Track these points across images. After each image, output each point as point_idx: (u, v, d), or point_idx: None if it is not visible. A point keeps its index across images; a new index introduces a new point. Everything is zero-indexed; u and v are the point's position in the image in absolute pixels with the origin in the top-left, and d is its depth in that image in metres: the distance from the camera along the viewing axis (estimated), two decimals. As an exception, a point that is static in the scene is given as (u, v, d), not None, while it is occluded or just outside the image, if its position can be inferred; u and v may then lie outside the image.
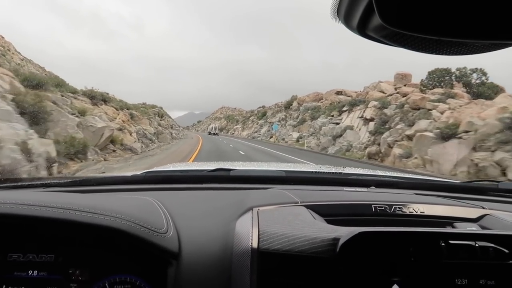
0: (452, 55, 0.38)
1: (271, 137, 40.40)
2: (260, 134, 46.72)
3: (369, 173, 1.65)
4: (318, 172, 1.56)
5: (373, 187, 1.23)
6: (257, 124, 57.29)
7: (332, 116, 27.06)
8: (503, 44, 0.36)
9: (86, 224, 0.67)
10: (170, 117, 54.28)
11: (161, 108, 47.66)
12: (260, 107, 77.28)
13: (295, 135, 31.56)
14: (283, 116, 42.59)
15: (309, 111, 33.90)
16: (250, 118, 70.37)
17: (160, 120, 33.06)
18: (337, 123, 25.24)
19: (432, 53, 0.38)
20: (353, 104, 25.04)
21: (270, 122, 46.73)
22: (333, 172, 1.54)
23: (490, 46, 0.37)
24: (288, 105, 45.19)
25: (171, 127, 37.19)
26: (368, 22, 0.35)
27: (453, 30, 0.33)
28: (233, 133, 72.66)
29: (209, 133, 64.30)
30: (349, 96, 33.57)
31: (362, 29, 0.37)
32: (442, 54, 0.38)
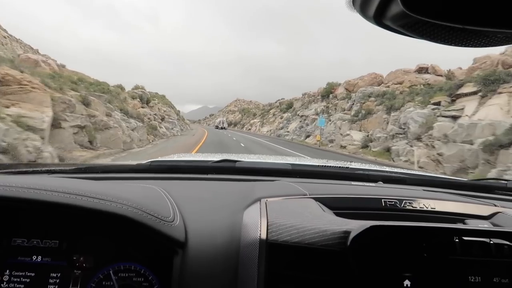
0: (475, 46, 0.36)
1: (308, 136, 28.19)
2: (288, 132, 34.51)
3: (376, 168, 1.62)
4: (325, 166, 1.51)
5: (380, 182, 1.23)
6: (280, 118, 45.05)
7: (438, 104, 14.78)
8: None
9: (93, 210, 0.66)
10: (172, 107, 43.13)
11: (156, 93, 36.48)
12: (279, 100, 65.54)
13: (357, 135, 19.25)
14: (324, 108, 30.28)
15: (373, 97, 21.55)
16: (271, 111, 58.04)
17: (141, 107, 21.41)
18: (454, 116, 13.04)
19: (453, 44, 0.36)
20: (491, 82, 12.75)
21: (302, 116, 34.48)
22: (340, 167, 1.50)
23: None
24: (326, 94, 33.04)
25: (162, 119, 25.42)
26: (387, 11, 0.33)
27: (479, 19, 0.31)
28: (249, 129, 60.53)
29: (216, 127, 60.36)
30: (440, 76, 20.99)
31: (379, 18, 0.35)
32: (464, 45, 0.36)
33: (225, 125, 61.59)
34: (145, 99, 24.07)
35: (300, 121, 33.81)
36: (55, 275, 0.71)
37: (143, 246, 0.73)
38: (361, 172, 1.37)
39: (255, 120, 62.73)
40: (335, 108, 28.21)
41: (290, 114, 41.15)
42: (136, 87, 25.88)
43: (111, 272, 0.71)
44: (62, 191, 0.66)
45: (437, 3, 0.31)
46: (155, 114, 23.55)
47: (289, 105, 46.77)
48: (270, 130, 43.68)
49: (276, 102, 65.02)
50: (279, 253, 0.65)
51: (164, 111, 29.97)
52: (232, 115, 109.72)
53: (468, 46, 0.36)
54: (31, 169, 1.11)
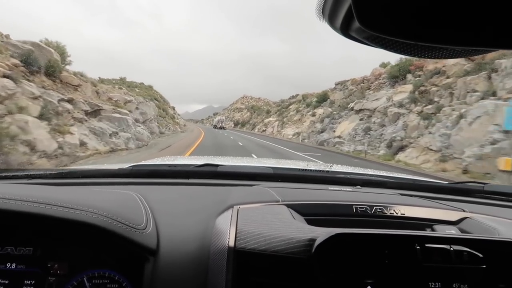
0: (432, 58, 0.38)
1: (399, 148, 13.95)
2: (340, 137, 20.18)
3: (357, 171, 1.60)
4: (306, 169, 1.53)
5: (359, 186, 1.23)
6: (312, 115, 30.69)
7: None
8: (482, 50, 0.36)
9: (62, 218, 0.67)
10: (162, 102, 29.85)
11: (142, 83, 23.77)
12: (293, 96, 52.19)
13: None
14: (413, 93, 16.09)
15: None
16: (291, 107, 43.61)
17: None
18: None
19: (412, 55, 0.38)
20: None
21: (361, 111, 20.24)
22: (320, 170, 1.52)
23: (471, 51, 0.37)
24: (401, 72, 19.29)
25: (92, 114, 11.37)
26: (351, 24, 0.35)
27: (430, 36, 0.33)
28: (263, 130, 45.92)
29: (215, 127, 57.03)
30: None
31: (346, 30, 0.37)
32: (422, 57, 0.38)
33: (224, 124, 56.32)
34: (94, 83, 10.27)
35: (362, 119, 19.58)
36: (29, 282, 0.71)
37: (116, 253, 0.74)
38: (342, 176, 1.39)
39: (270, 119, 47.56)
40: (440, 95, 14.12)
41: (331, 109, 26.77)
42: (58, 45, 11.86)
43: (85, 279, 0.71)
44: (32, 200, 0.67)
45: (389, 21, 0.32)
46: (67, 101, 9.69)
47: (322, 97, 32.63)
48: (299, 133, 29.18)
49: (291, 98, 50.91)
50: (247, 261, 0.66)
51: (117, 100, 16.03)
52: (239, 114, 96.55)
53: (427, 57, 0.38)
54: (10, 174, 1.10)
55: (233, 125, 77.98)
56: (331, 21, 0.37)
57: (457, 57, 0.39)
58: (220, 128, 52.56)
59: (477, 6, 0.31)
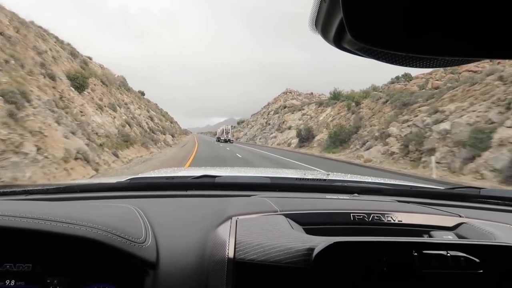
0: (424, 68, 0.39)
1: None
2: None
3: (354, 179, 1.61)
4: (303, 178, 1.53)
5: (356, 194, 1.23)
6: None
7: None
8: (473, 60, 0.37)
9: (61, 234, 0.67)
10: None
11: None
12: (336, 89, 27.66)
13: None
14: None
15: None
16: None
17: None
18: None
19: (404, 66, 0.39)
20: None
21: None
22: (317, 179, 1.52)
23: (461, 60, 0.38)
24: None
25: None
26: (343, 36, 0.36)
27: (421, 47, 0.34)
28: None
29: (218, 140, 43.13)
30: None
31: (339, 42, 0.38)
32: (415, 67, 0.39)
33: (230, 136, 41.77)
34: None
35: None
36: None
37: (116, 267, 0.74)
38: (339, 184, 1.40)
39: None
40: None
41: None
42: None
43: None
44: (31, 217, 0.67)
45: (380, 34, 0.33)
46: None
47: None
48: None
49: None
50: (246, 271, 0.66)
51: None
52: (294, 116, 38.89)
53: (419, 67, 0.39)
54: (8, 190, 1.11)
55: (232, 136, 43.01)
56: (324, 33, 0.38)
57: (449, 66, 0.40)
58: (226, 141, 39.49)
59: (465, 17, 0.32)
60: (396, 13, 0.32)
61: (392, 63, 0.38)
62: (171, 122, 50.20)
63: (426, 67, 0.39)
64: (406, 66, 0.39)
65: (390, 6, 0.32)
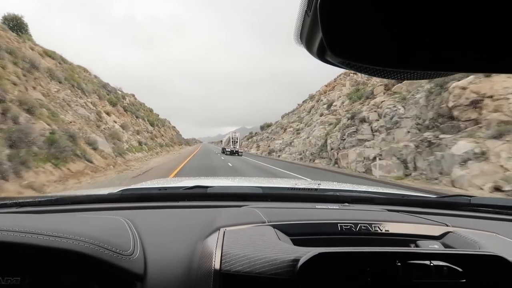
0: (406, 80, 0.41)
1: None
2: None
3: (346, 188, 1.63)
4: (294, 188, 1.53)
5: (347, 203, 1.23)
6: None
7: None
8: (445, 74, 0.39)
9: (48, 248, 0.67)
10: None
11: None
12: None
13: None
14: None
15: None
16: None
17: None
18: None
19: (384, 77, 0.40)
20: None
21: None
22: (309, 189, 1.51)
23: (440, 74, 0.39)
24: None
25: None
26: (326, 50, 0.37)
27: (399, 62, 0.35)
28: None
29: (223, 151, 34.78)
30: None
31: (322, 55, 0.39)
32: (395, 79, 0.40)
33: (238, 145, 33.23)
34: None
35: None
36: None
37: (104, 280, 0.74)
38: (331, 193, 1.39)
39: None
40: None
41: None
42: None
43: None
44: (18, 230, 0.67)
45: (357, 50, 0.35)
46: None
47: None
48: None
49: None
50: (232, 283, 0.66)
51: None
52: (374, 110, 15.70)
53: (401, 79, 0.40)
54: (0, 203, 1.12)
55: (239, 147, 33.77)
56: (308, 46, 0.39)
57: (427, 78, 0.40)
58: (233, 153, 32.14)
59: (435, 32, 0.33)
60: (372, 31, 0.33)
61: (372, 75, 0.40)
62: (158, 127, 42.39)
63: (408, 79, 0.40)
64: (387, 78, 0.40)
65: (365, 24, 0.33)
